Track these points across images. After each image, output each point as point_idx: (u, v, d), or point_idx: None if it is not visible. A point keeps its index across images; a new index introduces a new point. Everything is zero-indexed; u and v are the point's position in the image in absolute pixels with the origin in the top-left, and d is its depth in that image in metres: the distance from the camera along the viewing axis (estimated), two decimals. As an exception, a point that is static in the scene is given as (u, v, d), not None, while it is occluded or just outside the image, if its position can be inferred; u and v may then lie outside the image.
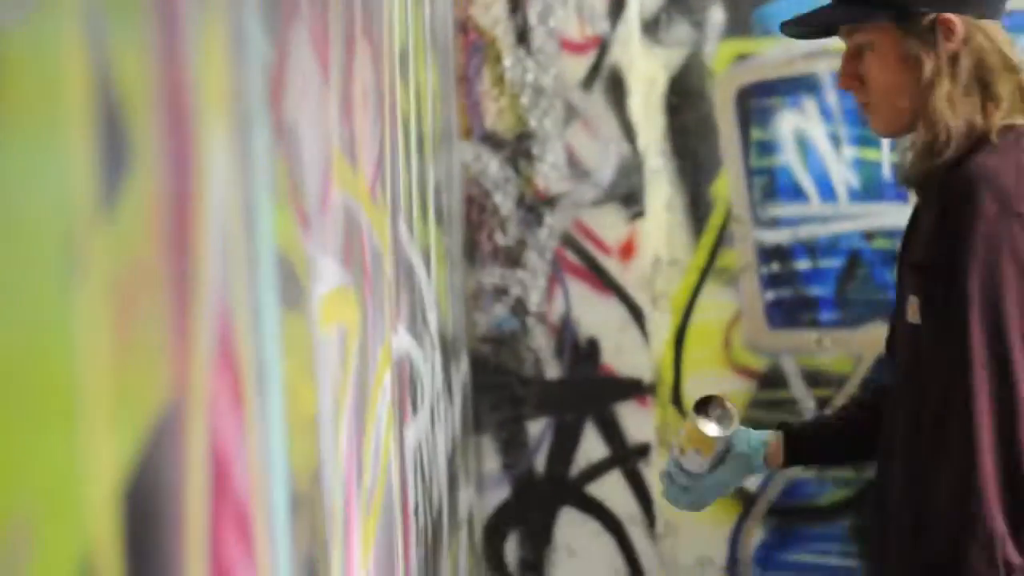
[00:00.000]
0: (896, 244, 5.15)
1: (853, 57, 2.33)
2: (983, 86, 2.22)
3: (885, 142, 4.96)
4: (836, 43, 2.45)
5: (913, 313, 2.21)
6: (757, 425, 2.64)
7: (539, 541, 5.04)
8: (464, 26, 4.92)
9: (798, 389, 4.94)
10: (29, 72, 0.69)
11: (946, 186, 2.16)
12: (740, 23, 4.99)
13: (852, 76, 2.32)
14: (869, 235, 4.96)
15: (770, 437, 2.53)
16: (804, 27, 2.41)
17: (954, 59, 2.22)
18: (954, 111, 2.20)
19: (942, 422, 2.13)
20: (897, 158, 5.01)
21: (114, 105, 0.81)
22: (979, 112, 2.21)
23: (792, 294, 5.00)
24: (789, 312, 5.00)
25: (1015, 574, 2.08)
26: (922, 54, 2.24)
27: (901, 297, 2.30)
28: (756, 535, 5.05)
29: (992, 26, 2.25)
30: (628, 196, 4.98)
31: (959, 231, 2.10)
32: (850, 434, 2.52)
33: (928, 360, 2.18)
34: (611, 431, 4.98)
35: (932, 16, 2.25)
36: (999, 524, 2.06)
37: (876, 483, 2.37)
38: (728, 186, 5.02)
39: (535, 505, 5.02)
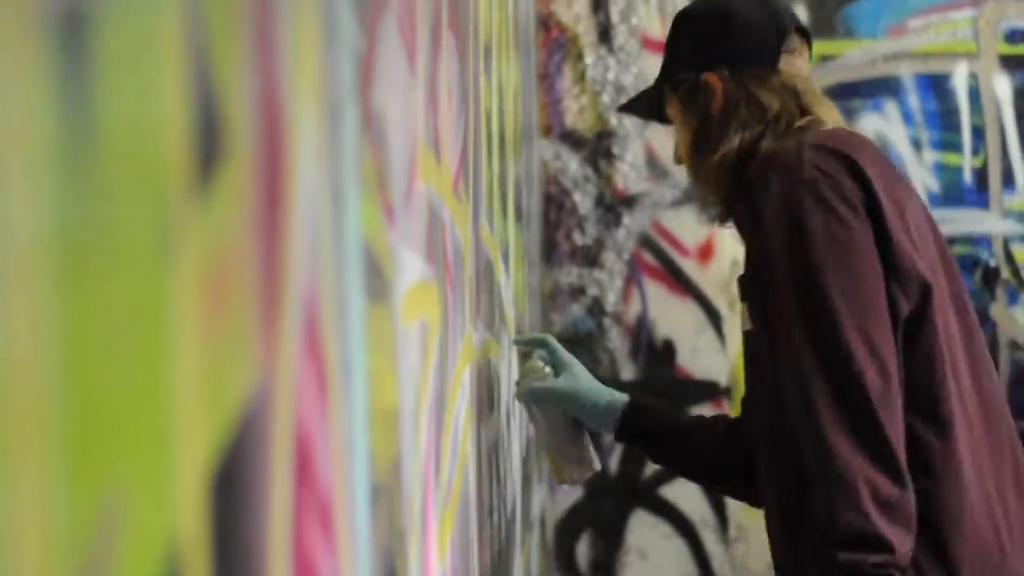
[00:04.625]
0: (977, 250, 5.10)
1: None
2: (760, 124, 2.21)
3: (967, 147, 4.91)
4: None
5: (745, 320, 2.17)
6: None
7: (610, 543, 5.02)
8: (546, 23, 4.91)
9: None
10: (126, 56, 0.69)
11: (739, 192, 2.15)
12: (823, 24, 4.95)
13: (676, 153, 2.37)
14: (949, 241, 4.91)
15: (616, 397, 2.45)
16: (635, 110, 2.53)
17: (726, 115, 2.22)
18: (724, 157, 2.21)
19: (782, 420, 2.06)
20: (979, 163, 4.95)
21: (209, 91, 0.80)
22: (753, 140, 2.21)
23: (871, 299, 4.95)
24: (867, 317, 4.95)
25: (893, 506, 1.97)
26: (696, 118, 2.27)
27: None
28: (830, 541, 5.01)
29: (763, 72, 2.24)
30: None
31: (755, 216, 2.08)
32: (698, 442, 2.41)
33: (762, 360, 2.12)
34: (685, 433, 4.96)
35: (695, 78, 2.29)
36: (860, 469, 1.95)
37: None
38: (808, 189, 4.98)
39: (607, 507, 5.01)
